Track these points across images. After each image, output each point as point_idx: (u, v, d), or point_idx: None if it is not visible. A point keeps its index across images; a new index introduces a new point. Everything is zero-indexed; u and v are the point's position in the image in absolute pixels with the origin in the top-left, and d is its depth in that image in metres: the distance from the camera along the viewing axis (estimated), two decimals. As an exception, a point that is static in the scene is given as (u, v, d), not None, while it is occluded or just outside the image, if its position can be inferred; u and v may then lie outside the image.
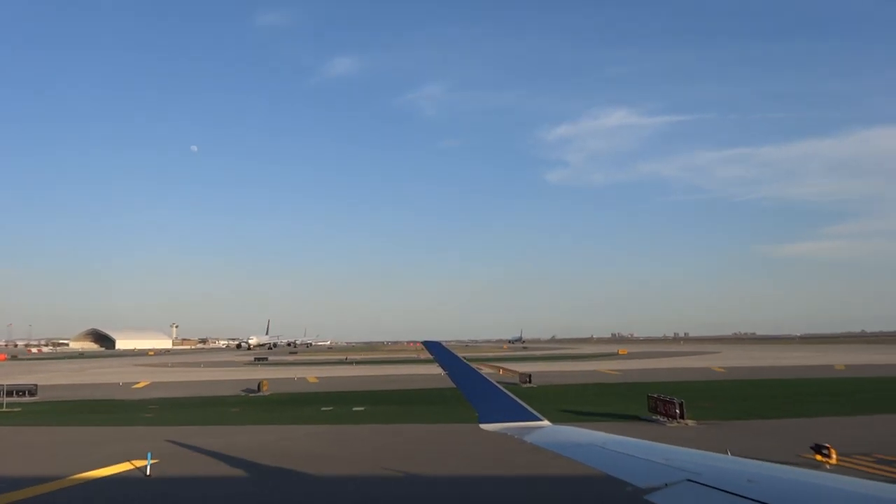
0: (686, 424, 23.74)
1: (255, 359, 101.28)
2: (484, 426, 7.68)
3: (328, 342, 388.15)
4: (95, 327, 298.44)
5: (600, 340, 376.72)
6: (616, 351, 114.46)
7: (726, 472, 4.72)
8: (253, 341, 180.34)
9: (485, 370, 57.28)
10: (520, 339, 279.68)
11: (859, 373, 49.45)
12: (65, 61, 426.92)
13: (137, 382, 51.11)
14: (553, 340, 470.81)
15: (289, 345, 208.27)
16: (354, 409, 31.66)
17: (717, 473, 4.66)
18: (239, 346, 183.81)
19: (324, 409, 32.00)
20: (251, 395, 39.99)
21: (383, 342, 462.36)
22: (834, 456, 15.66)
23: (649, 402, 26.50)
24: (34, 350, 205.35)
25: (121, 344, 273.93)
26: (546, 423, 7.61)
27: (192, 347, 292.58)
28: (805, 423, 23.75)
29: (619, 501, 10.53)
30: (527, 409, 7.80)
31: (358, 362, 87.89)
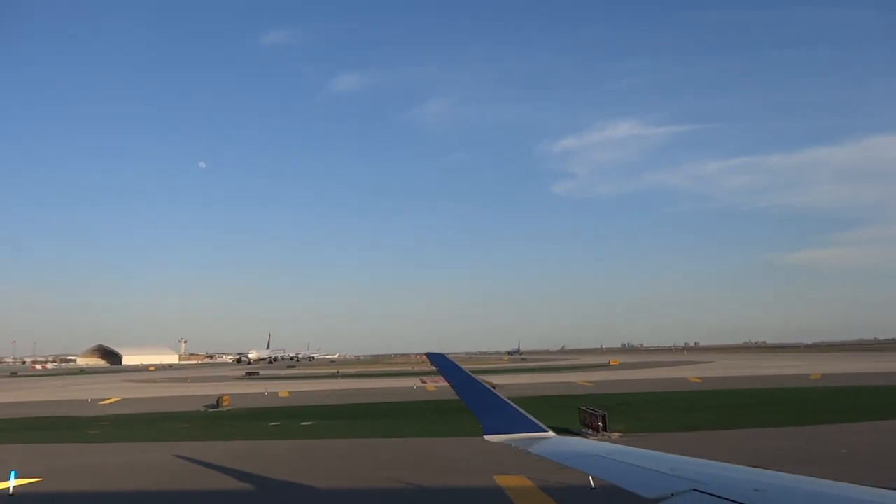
0: (609, 437, 23.48)
1: (247, 374, 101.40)
2: (488, 438, 7.66)
3: (336, 355, 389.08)
4: (102, 343, 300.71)
5: (609, 351, 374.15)
6: (608, 362, 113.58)
7: (732, 481, 4.71)
8: (253, 356, 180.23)
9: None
10: (518, 351, 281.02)
11: (830, 382, 48.76)
12: (70, 75, 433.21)
13: (108, 399, 51.29)
14: (563, 351, 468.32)
15: (291, 359, 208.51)
16: (303, 423, 31.64)
17: (722, 482, 4.65)
18: (239, 360, 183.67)
19: (272, 424, 31.99)
20: (210, 410, 40.05)
21: (391, 355, 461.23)
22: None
23: (580, 414, 26.28)
24: (38, 367, 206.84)
25: (127, 360, 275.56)
26: (551, 434, 7.60)
27: (199, 362, 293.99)
28: (733, 434, 23.57)
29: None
30: (531, 421, 7.78)
31: (348, 376, 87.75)
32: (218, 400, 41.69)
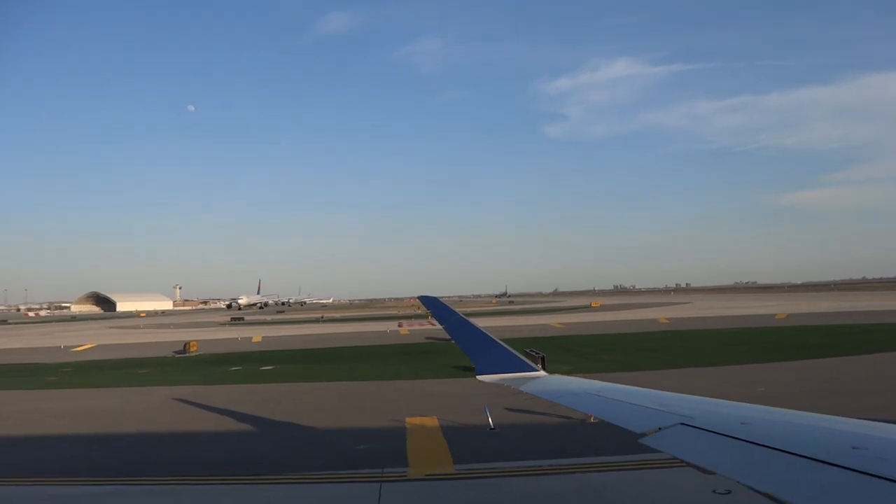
0: None
1: (232, 319, 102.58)
2: (480, 378, 7.85)
3: (329, 300, 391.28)
4: (96, 290, 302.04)
5: (602, 293, 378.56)
6: (590, 304, 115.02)
7: (720, 416, 4.80)
8: (243, 301, 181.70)
9: (426, 325, 58.24)
10: (505, 294, 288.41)
11: (794, 321, 49.59)
12: (60, 22, 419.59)
13: (82, 346, 51.91)
14: (555, 293, 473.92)
15: (283, 304, 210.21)
16: (262, 368, 32.16)
17: (710, 417, 4.73)
18: (229, 306, 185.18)
19: (232, 368, 32.53)
20: (177, 356, 40.62)
21: (384, 299, 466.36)
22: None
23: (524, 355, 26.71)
24: (31, 314, 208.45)
25: (121, 306, 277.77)
26: (542, 373, 7.82)
27: (192, 308, 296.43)
28: (666, 373, 24.20)
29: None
30: (523, 361, 7.98)
31: (331, 320, 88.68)
32: (185, 346, 42.23)
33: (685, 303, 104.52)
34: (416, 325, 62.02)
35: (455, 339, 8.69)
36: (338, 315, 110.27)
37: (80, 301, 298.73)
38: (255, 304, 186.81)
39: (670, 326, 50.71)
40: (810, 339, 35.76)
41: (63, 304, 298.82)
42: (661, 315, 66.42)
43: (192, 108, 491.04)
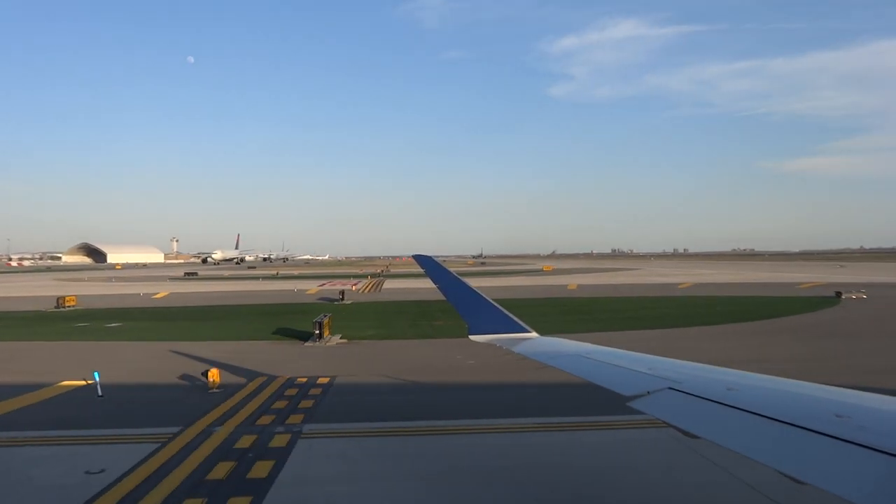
0: (322, 344, 23.55)
1: (185, 274, 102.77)
2: (473, 338, 7.89)
3: (326, 256, 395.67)
4: (87, 241, 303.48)
5: (600, 256, 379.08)
6: (541, 268, 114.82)
7: (707, 381, 4.87)
8: (217, 256, 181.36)
9: (347, 286, 58.19)
10: (481, 255, 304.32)
11: (696, 292, 49.03)
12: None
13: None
14: (552, 255, 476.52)
15: (265, 259, 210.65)
16: (108, 325, 32.07)
17: (697, 382, 4.82)
18: (204, 260, 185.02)
19: (78, 325, 32.42)
20: (51, 310, 40.46)
21: (379, 257, 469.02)
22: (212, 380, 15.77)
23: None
24: (13, 263, 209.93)
25: (112, 258, 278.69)
26: (534, 334, 7.80)
27: (183, 262, 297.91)
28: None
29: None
30: (515, 322, 7.98)
31: (282, 277, 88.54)
32: (58, 300, 42.06)
33: (632, 269, 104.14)
34: (339, 285, 61.68)
35: (448, 298, 8.65)
36: (296, 272, 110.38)
37: (71, 252, 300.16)
38: (230, 259, 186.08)
39: (574, 293, 50.29)
40: (668, 310, 35.35)
41: (56, 255, 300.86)
42: (578, 282, 66.03)
43: (191, 59, 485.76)
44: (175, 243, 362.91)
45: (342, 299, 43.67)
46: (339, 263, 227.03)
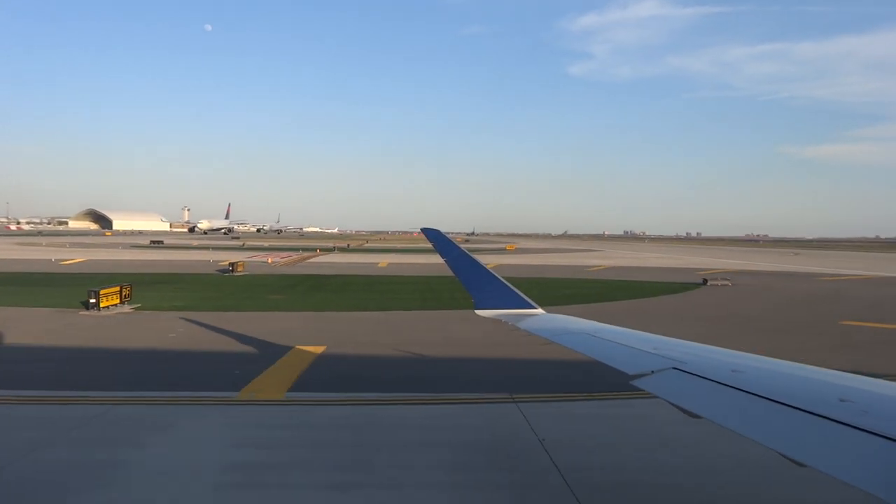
0: (97, 313, 23.46)
1: (151, 242, 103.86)
2: (479, 312, 7.95)
3: (335, 230, 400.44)
4: (94, 208, 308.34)
5: (611, 238, 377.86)
6: (504, 247, 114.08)
7: (712, 362, 4.89)
8: (203, 225, 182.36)
9: (271, 259, 57.94)
10: (473, 234, 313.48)
11: (603, 275, 48.13)
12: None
13: None
14: (564, 236, 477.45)
15: (258, 231, 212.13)
16: None
17: (702, 363, 4.82)
18: (191, 229, 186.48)
19: None
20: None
21: (388, 231, 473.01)
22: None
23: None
24: (12, 227, 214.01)
25: (117, 225, 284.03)
26: (540, 310, 7.85)
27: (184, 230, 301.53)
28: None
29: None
30: (522, 297, 8.02)
31: (248, 248, 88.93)
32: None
33: (599, 250, 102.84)
34: (274, 257, 61.55)
35: (455, 272, 8.64)
36: (265, 244, 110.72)
37: (78, 217, 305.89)
38: (218, 229, 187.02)
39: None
40: (541, 290, 34.45)
41: (63, 220, 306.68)
42: (526, 262, 65.54)
43: (209, 27, 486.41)
44: (186, 212, 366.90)
45: (232, 271, 43.62)
46: (341, 237, 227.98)
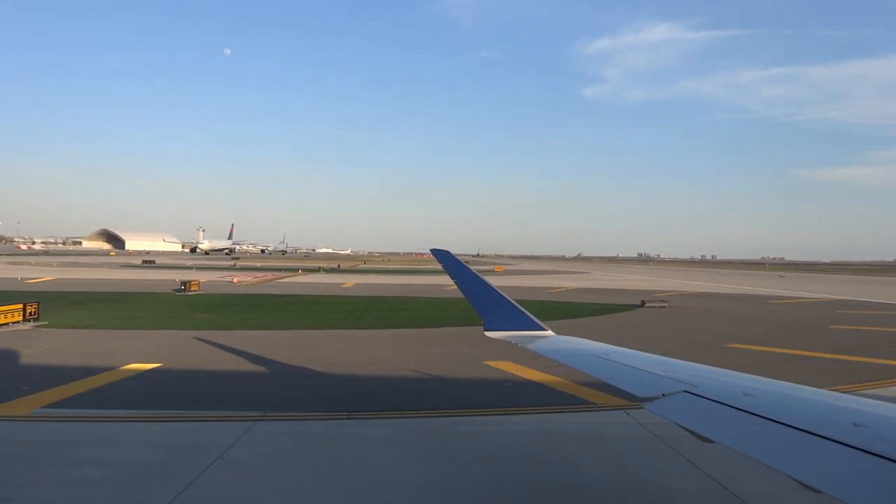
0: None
1: (143, 262, 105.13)
2: (488, 334, 7.92)
3: (348, 251, 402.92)
4: (107, 228, 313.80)
5: (622, 260, 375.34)
6: (493, 268, 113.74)
7: (723, 385, 4.81)
8: (204, 246, 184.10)
9: (236, 279, 58.22)
10: (478, 255, 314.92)
11: (565, 297, 47.73)
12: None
13: None
14: (578, 258, 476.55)
15: (262, 251, 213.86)
16: None
17: (714, 386, 4.74)
18: (193, 250, 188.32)
19: None
20: None
21: (400, 252, 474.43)
22: None
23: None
24: (24, 247, 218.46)
25: (130, 245, 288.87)
26: (550, 333, 7.83)
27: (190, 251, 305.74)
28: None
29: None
30: (532, 319, 8.01)
31: (239, 269, 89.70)
32: None
33: (585, 272, 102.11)
34: (249, 277, 61.96)
35: (465, 293, 8.61)
36: (258, 264, 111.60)
37: (91, 237, 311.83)
38: (220, 250, 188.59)
39: (443, 293, 49.50)
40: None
41: (77, 240, 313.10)
42: (506, 283, 64.79)
43: (227, 51, 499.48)
44: (201, 233, 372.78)
45: (185, 290, 43.93)
46: (350, 258, 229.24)
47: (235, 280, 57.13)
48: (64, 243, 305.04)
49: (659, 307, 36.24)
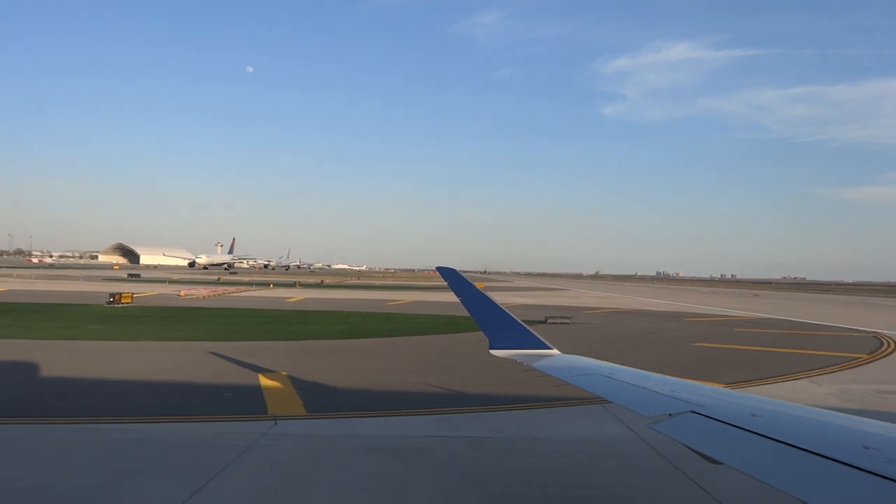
0: None
1: (129, 275, 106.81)
2: (494, 352, 8.00)
3: (363, 267, 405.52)
4: (122, 242, 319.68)
5: (643, 279, 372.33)
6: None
7: (730, 406, 4.81)
8: (202, 260, 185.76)
9: (184, 292, 58.23)
10: (485, 272, 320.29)
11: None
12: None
13: None
14: (595, 276, 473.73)
15: (265, 266, 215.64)
16: None
17: (721, 406, 4.74)
18: (190, 264, 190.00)
19: None
20: None
21: (414, 269, 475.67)
22: None
23: None
24: (35, 260, 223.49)
25: (144, 259, 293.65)
26: (555, 351, 7.89)
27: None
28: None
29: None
30: (537, 338, 8.09)
31: (224, 283, 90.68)
32: None
33: (560, 289, 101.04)
34: (200, 291, 62.33)
35: (470, 311, 8.67)
36: (245, 279, 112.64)
37: (107, 252, 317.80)
38: (219, 264, 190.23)
39: (388, 308, 49.44)
40: (363, 324, 34.37)
41: (94, 254, 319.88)
42: (431, 299, 64.49)
43: (250, 69, 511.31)
44: (219, 248, 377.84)
45: (114, 302, 44.41)
46: (355, 273, 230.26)
47: (182, 293, 57.62)
48: (81, 257, 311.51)
49: (561, 323, 35.73)
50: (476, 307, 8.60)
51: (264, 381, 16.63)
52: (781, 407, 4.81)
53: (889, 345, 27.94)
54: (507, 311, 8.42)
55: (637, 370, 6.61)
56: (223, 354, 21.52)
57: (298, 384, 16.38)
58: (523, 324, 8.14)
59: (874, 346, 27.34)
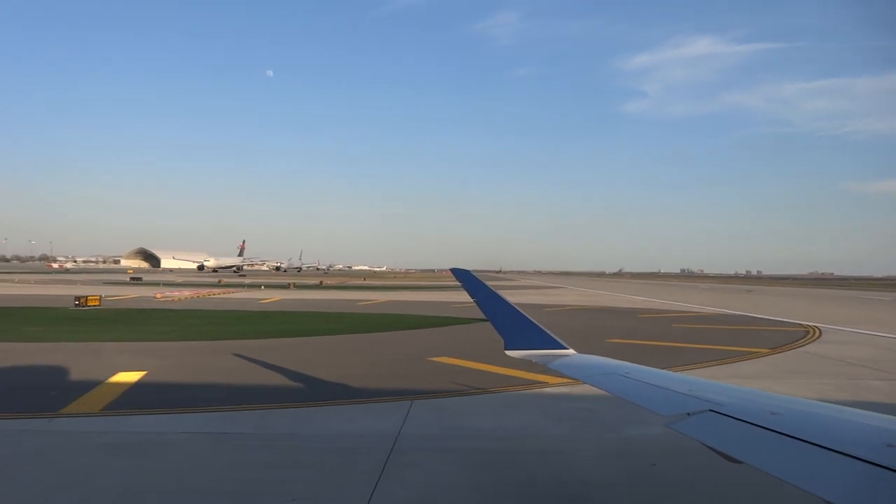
0: None
1: (131, 279, 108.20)
2: (509, 353, 7.87)
3: (384, 268, 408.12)
4: (144, 247, 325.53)
5: (665, 276, 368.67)
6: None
7: (749, 404, 4.71)
8: (210, 263, 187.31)
9: (160, 295, 58.45)
10: (500, 271, 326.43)
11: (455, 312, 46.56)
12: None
13: None
14: (619, 274, 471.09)
15: (276, 268, 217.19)
16: None
17: (739, 405, 4.65)
18: (200, 267, 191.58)
19: None
20: None
21: (433, 270, 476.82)
22: None
23: None
24: (55, 265, 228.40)
25: (165, 263, 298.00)
26: (571, 351, 7.75)
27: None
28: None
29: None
30: (552, 338, 7.96)
31: (224, 286, 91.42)
32: None
33: (559, 287, 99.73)
34: (186, 293, 62.73)
35: (484, 312, 8.55)
36: (247, 282, 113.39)
37: (129, 256, 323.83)
38: (228, 267, 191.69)
39: (359, 308, 49.03)
40: (332, 324, 33.91)
41: (116, 259, 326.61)
42: (442, 298, 64.16)
43: (270, 72, 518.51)
44: (242, 247, 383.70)
45: (79, 305, 44.64)
46: (374, 275, 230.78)
47: (158, 296, 57.85)
48: (104, 262, 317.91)
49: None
50: (490, 308, 8.42)
51: (111, 380, 16.27)
52: (801, 405, 4.69)
53: (806, 339, 26.87)
54: (522, 311, 8.16)
55: (655, 369, 6.40)
56: (110, 354, 21.23)
57: (142, 383, 15.99)
58: (539, 324, 7.94)
59: (789, 341, 26.26)
